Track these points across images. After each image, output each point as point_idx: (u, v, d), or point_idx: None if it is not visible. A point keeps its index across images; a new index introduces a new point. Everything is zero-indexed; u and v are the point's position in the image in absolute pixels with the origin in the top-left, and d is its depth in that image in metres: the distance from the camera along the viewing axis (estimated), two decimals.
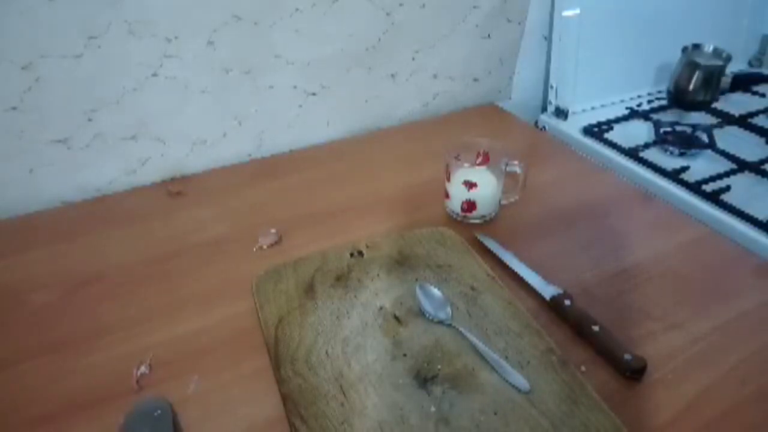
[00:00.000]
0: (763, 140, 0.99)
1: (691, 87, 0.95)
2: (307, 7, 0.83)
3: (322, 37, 0.87)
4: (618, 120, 1.06)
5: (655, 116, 1.06)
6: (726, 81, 0.96)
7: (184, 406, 0.51)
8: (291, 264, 0.66)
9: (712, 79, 0.94)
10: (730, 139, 0.98)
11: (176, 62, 0.78)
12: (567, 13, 1.04)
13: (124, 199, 0.82)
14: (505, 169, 0.72)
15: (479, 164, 0.73)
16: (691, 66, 0.94)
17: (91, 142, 0.79)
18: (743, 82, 0.97)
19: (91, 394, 0.53)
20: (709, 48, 0.98)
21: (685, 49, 0.97)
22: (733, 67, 1.24)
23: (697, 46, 0.98)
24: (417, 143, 0.95)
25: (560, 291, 0.61)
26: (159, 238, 0.73)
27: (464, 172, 0.72)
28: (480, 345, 0.55)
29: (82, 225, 0.76)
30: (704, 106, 0.96)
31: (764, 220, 0.77)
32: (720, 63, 0.96)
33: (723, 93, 0.98)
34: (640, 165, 0.93)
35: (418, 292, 0.60)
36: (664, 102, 1.10)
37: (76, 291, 0.65)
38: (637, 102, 1.13)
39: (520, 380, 0.51)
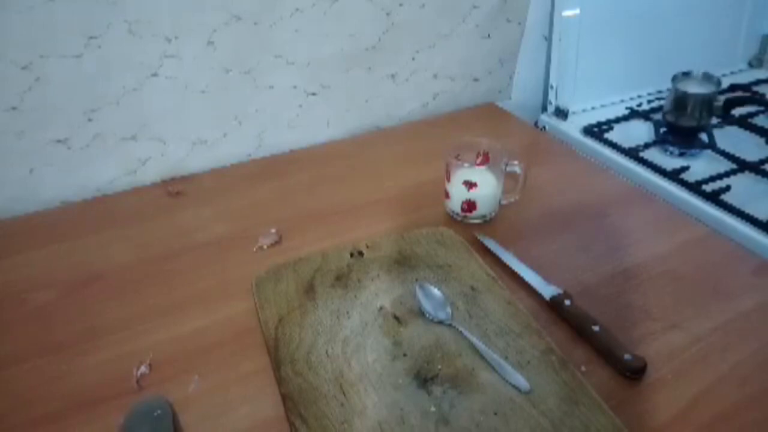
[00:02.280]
0: (763, 140, 0.99)
1: (684, 116, 0.97)
2: (307, 7, 0.83)
3: (322, 37, 0.87)
4: (618, 120, 1.06)
5: (655, 116, 1.06)
6: (718, 107, 0.97)
7: (184, 406, 0.51)
8: (291, 264, 0.66)
9: (703, 107, 0.96)
10: (730, 139, 0.98)
11: (176, 62, 0.78)
12: (567, 13, 1.04)
13: (124, 199, 0.82)
14: (505, 169, 0.72)
15: (479, 164, 0.73)
16: (681, 96, 0.96)
17: (91, 142, 0.79)
18: (735, 105, 0.98)
19: (91, 394, 0.53)
20: (698, 74, 1.00)
21: (674, 78, 0.99)
22: (733, 67, 1.25)
23: (686, 74, 1.00)
24: (417, 143, 0.95)
25: (560, 291, 0.61)
26: (159, 238, 0.73)
27: (464, 172, 0.72)
28: (480, 345, 0.55)
29: (82, 225, 0.76)
30: (700, 132, 0.98)
31: (764, 220, 0.77)
32: (711, 89, 0.97)
33: (717, 116, 0.99)
34: (640, 165, 0.93)
35: (418, 292, 0.60)
36: (663, 102, 1.11)
37: (76, 291, 0.65)
38: (637, 102, 1.13)
39: (520, 380, 0.51)
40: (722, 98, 0.96)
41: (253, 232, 0.72)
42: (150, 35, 0.75)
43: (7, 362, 0.56)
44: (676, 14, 1.12)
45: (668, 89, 1.00)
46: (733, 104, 0.97)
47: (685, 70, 1.00)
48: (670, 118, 0.99)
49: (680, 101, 0.97)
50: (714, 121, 1.02)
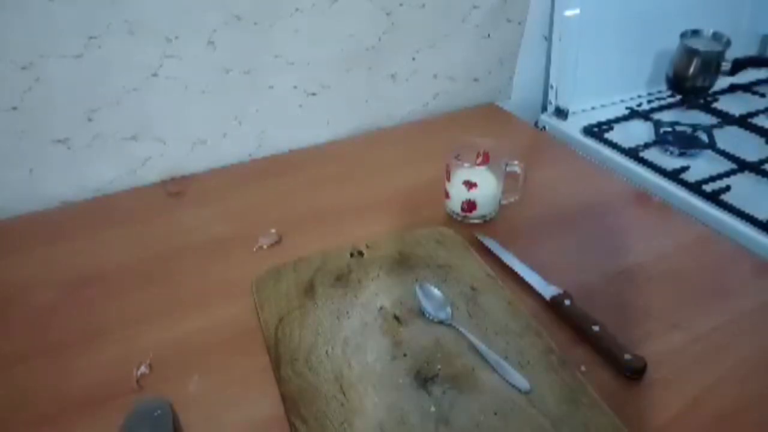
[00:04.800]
0: (763, 140, 0.99)
1: (690, 73, 0.92)
2: (307, 7, 0.83)
3: (322, 37, 0.87)
4: (618, 120, 1.06)
5: (655, 116, 1.06)
6: (726, 66, 0.93)
7: (184, 406, 0.50)
8: (291, 264, 0.66)
9: (711, 65, 0.92)
10: (730, 139, 0.98)
11: (176, 62, 0.78)
12: (567, 13, 1.03)
13: (124, 199, 0.82)
14: (505, 169, 0.72)
15: (479, 164, 0.73)
16: (689, 52, 0.92)
17: (92, 142, 0.79)
18: (744, 66, 0.94)
19: (91, 394, 0.53)
20: (708, 32, 0.96)
21: (683, 35, 0.95)
22: None
23: (696, 32, 0.96)
24: (417, 143, 0.94)
25: (560, 291, 0.61)
26: (159, 238, 0.73)
27: (464, 172, 0.72)
28: (480, 345, 0.55)
29: (82, 225, 0.76)
30: (704, 92, 0.94)
31: (764, 220, 0.77)
32: (719, 48, 0.93)
33: (725, 74, 0.94)
34: (640, 165, 0.93)
35: (418, 292, 0.60)
36: (664, 102, 1.10)
37: (76, 291, 0.65)
38: (637, 102, 1.13)
39: (520, 380, 0.51)
40: (731, 59, 0.93)
41: (253, 232, 0.72)
42: (150, 35, 0.75)
43: (7, 362, 0.56)
44: (676, 14, 1.12)
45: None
46: (741, 65, 0.93)
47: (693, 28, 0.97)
48: (676, 74, 0.94)
49: (687, 58, 0.93)
50: (714, 120, 1.02)
